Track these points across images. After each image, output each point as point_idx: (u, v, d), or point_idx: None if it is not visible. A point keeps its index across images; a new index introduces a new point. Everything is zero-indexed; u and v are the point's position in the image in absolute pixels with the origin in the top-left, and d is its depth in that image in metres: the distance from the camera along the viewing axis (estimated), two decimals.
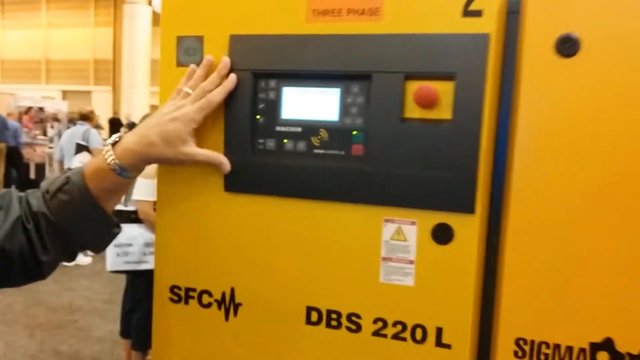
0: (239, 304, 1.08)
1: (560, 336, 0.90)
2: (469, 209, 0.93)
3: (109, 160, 0.95)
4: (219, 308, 1.09)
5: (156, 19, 16.70)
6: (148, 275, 1.71)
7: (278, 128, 1.04)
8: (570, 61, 0.87)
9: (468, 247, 0.94)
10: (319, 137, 1.01)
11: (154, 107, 15.05)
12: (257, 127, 1.05)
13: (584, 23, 0.87)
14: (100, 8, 19.99)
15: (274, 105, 1.04)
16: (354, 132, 0.99)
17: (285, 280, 1.05)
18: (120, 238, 3.60)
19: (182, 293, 1.12)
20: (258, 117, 1.04)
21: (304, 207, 1.03)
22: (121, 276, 3.82)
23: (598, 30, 0.86)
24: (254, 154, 1.05)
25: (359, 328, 1.01)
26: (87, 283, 6.20)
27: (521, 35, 0.91)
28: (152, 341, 1.16)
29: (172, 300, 1.13)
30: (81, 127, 6.59)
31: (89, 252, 1.15)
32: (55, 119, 12.64)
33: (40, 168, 11.34)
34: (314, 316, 1.04)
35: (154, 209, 3.56)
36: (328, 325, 1.03)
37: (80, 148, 6.13)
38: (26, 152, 11.11)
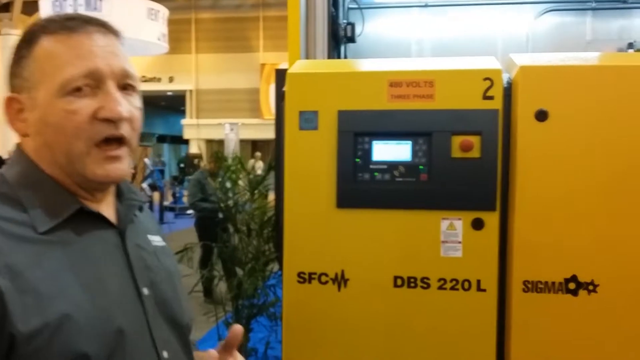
0: (347, 279, 1.69)
1: (550, 275, 1.60)
2: (492, 208, 1.62)
3: None
4: (333, 283, 1.69)
5: None
6: None
7: (371, 166, 1.67)
8: (543, 125, 1.59)
9: (493, 231, 1.63)
10: (398, 170, 1.66)
11: None
12: (357, 166, 1.68)
13: (551, 101, 1.59)
14: None
15: (368, 153, 1.67)
16: (421, 167, 1.65)
17: (379, 260, 1.68)
18: None
19: (306, 276, 1.71)
20: (357, 159, 1.68)
21: (389, 214, 1.67)
22: None
23: (559, 105, 1.59)
24: (355, 182, 1.67)
25: (428, 286, 1.66)
26: None
27: (514, 109, 1.62)
28: None
29: (299, 281, 1.71)
30: None
31: None
32: None
33: None
34: (399, 282, 1.67)
35: None
36: (408, 286, 1.67)
37: None
38: None
